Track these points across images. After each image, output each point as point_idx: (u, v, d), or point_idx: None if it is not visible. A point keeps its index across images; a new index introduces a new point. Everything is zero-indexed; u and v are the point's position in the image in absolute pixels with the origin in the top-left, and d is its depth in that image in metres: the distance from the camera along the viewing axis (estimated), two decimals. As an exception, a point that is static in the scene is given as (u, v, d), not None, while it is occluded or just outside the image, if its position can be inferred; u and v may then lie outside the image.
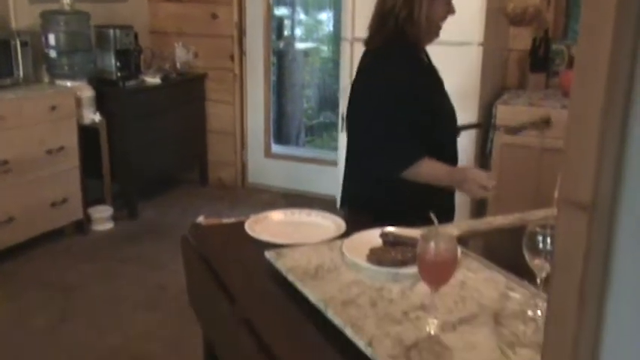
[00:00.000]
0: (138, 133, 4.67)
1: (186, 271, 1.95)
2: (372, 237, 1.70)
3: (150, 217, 4.75)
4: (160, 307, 3.46)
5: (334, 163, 4.33)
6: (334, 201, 4.05)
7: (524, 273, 1.50)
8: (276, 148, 5.48)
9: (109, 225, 4.52)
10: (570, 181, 0.63)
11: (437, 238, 1.30)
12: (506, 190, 3.49)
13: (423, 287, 1.42)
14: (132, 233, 4.47)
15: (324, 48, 6.88)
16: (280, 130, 5.96)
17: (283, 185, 5.30)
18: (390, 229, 1.73)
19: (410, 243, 1.62)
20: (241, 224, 1.92)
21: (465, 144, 3.36)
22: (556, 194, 1.46)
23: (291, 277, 1.55)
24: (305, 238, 1.78)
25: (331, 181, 4.47)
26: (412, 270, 1.52)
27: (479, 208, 3.55)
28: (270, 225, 1.92)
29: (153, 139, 4.81)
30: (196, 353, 2.31)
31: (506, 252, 1.70)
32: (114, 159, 4.57)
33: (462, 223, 1.86)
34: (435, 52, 2.30)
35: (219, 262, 1.74)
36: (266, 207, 4.79)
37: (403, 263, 1.57)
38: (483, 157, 3.68)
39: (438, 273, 1.32)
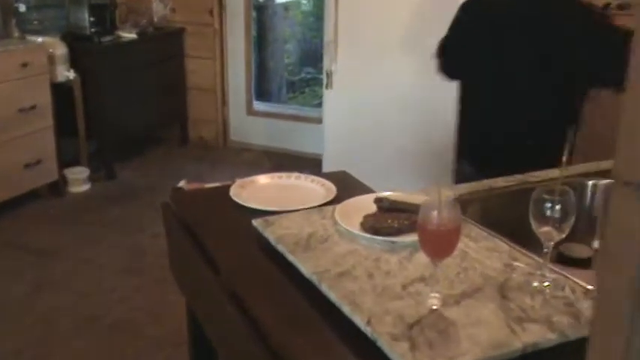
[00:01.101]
0: (114, 90, 4.51)
1: (168, 240, 1.84)
2: (365, 203, 1.61)
3: (128, 178, 4.62)
4: (140, 271, 3.36)
5: (318, 121, 4.22)
6: (319, 160, 3.93)
7: (527, 241, 1.42)
8: (258, 105, 5.34)
9: (85, 186, 4.39)
10: (626, 158, 0.53)
11: (440, 206, 1.20)
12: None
13: (422, 257, 1.34)
14: (110, 195, 4.35)
15: (304, 2, 6.69)
16: (261, 87, 5.81)
17: (266, 143, 5.18)
18: (385, 194, 1.63)
19: (406, 209, 1.54)
20: (226, 189, 1.81)
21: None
22: (564, 159, 1.36)
23: (281, 248, 1.45)
24: (294, 203, 1.68)
25: (316, 139, 4.36)
26: (409, 239, 1.44)
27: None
28: (256, 190, 1.82)
29: (130, 97, 4.66)
30: (178, 319, 2.22)
31: (508, 218, 1.61)
32: (89, 118, 4.42)
33: (459, 186, 1.76)
34: None
35: (204, 230, 1.64)
36: (250, 166, 4.75)
37: (400, 231, 1.48)
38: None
39: (440, 244, 1.23)
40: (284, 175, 1.90)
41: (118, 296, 3.15)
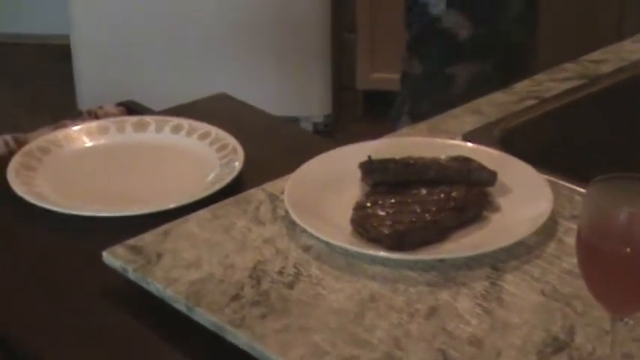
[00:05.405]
0: None
1: None
2: (334, 170, 1.24)
3: None
4: None
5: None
6: (62, 48, 3.48)
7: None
8: None
9: None
10: None
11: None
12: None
13: (518, 286, 1.03)
14: None
15: None
16: None
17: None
18: (375, 146, 1.26)
19: (430, 175, 1.18)
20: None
21: None
22: None
23: (209, 319, 1.01)
24: (167, 191, 1.35)
25: (47, 7, 3.83)
26: (468, 243, 1.11)
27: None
28: (66, 166, 1.43)
29: None
30: None
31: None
32: None
33: (479, 103, 1.43)
34: None
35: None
36: None
37: (443, 230, 1.11)
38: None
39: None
40: (112, 122, 1.49)
41: None
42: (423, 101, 2.04)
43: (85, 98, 3.19)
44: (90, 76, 3.26)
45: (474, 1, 2.02)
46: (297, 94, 3.23)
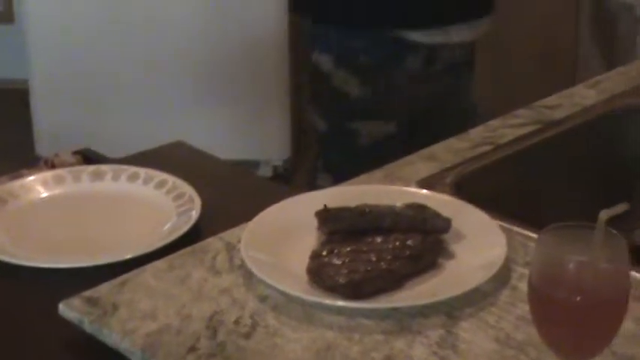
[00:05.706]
0: None
1: None
2: (293, 219, 1.22)
3: None
4: None
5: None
6: (19, 92, 3.44)
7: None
8: None
9: None
10: None
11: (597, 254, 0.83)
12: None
13: (473, 335, 1.00)
14: None
15: None
16: None
17: None
18: (331, 194, 1.26)
19: (385, 224, 1.16)
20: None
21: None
22: None
23: None
24: (126, 244, 1.30)
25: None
26: (424, 291, 1.09)
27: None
28: (24, 215, 1.40)
29: None
30: None
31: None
32: None
33: (434, 149, 1.42)
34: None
35: None
36: None
37: (399, 278, 1.09)
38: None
39: (591, 329, 0.86)
40: (68, 171, 1.47)
41: None
42: (333, 154, 2.01)
43: (43, 143, 3.14)
44: (48, 120, 3.20)
45: (360, 61, 1.94)
46: (257, 137, 3.20)
